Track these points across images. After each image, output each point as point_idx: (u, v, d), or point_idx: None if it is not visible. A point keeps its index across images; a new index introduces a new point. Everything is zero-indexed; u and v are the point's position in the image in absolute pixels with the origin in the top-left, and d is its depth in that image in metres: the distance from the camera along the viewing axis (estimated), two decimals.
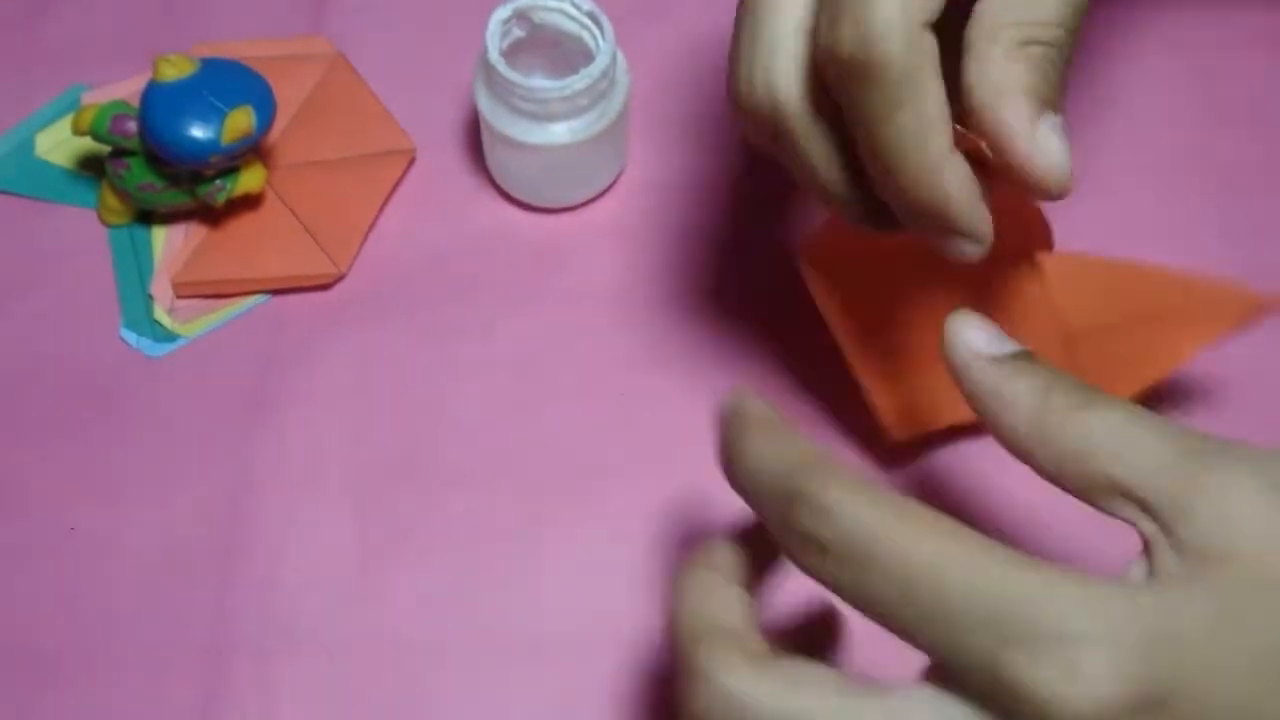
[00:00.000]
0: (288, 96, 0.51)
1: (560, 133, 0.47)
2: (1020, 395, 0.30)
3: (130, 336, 0.48)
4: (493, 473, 0.46)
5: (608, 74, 0.46)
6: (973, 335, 0.31)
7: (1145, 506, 0.28)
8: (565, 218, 0.51)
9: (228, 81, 0.46)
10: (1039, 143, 0.32)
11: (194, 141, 0.45)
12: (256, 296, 0.49)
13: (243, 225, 0.50)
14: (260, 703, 0.43)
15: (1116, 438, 0.29)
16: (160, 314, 0.48)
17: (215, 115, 0.45)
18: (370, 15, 0.54)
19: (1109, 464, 0.29)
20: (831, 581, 0.28)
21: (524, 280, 0.50)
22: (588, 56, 0.47)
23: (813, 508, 0.28)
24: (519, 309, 0.49)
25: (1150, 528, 0.29)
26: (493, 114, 0.47)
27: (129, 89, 0.51)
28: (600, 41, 0.46)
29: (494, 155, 0.50)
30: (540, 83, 0.46)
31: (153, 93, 0.46)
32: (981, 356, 0.31)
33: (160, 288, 0.49)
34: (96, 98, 0.51)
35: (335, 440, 0.47)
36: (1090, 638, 0.26)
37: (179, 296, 0.49)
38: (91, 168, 0.51)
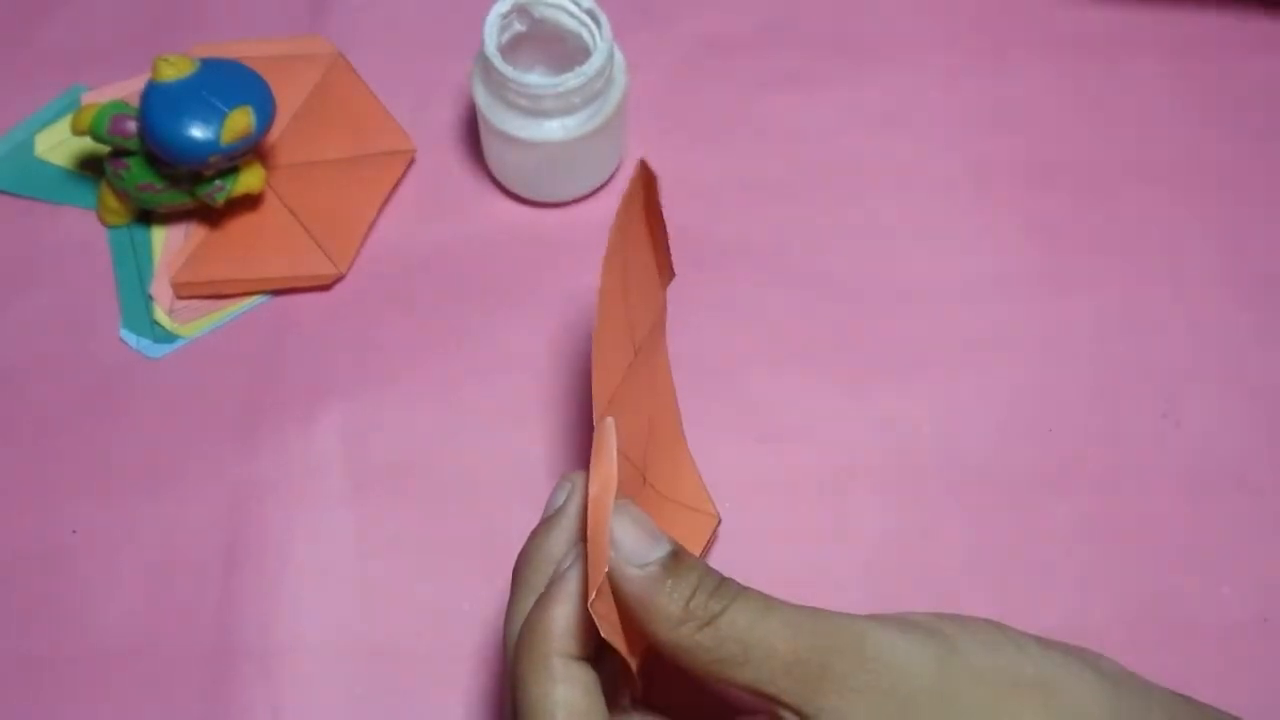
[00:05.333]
0: (288, 96, 0.51)
1: (554, 129, 0.47)
2: (663, 608, 0.32)
3: (130, 338, 0.48)
4: (494, 472, 0.46)
5: (603, 73, 0.46)
6: (623, 538, 0.33)
7: (778, 702, 0.32)
8: (564, 216, 0.51)
9: (227, 81, 0.46)
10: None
11: (193, 141, 0.45)
12: (256, 297, 0.49)
13: (242, 225, 0.50)
14: (263, 704, 0.43)
15: (745, 643, 0.32)
16: (160, 315, 0.48)
17: (215, 115, 0.45)
18: (370, 15, 0.54)
19: (740, 670, 0.32)
20: None
21: (524, 279, 0.49)
22: (587, 54, 0.47)
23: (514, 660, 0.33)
24: (519, 308, 0.49)
25: (789, 715, 0.32)
26: (489, 108, 0.47)
27: (129, 89, 0.51)
28: (598, 39, 0.46)
29: (491, 150, 0.50)
30: (535, 79, 0.46)
31: (152, 93, 0.46)
32: (631, 565, 0.32)
33: (160, 289, 0.49)
34: (96, 98, 0.51)
35: (336, 440, 0.47)
36: None
37: (179, 297, 0.49)
38: (91, 168, 0.51)
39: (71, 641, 0.44)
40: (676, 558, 0.33)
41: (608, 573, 0.32)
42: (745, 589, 0.33)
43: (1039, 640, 0.34)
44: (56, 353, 0.48)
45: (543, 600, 0.34)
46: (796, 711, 0.32)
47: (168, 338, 0.48)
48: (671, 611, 0.32)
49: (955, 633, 0.33)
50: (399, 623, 0.44)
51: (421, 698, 0.43)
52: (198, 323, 0.49)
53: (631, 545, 0.33)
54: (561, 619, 0.33)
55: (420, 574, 0.45)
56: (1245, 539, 0.45)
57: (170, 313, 0.49)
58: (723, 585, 0.33)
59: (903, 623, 0.33)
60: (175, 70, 0.46)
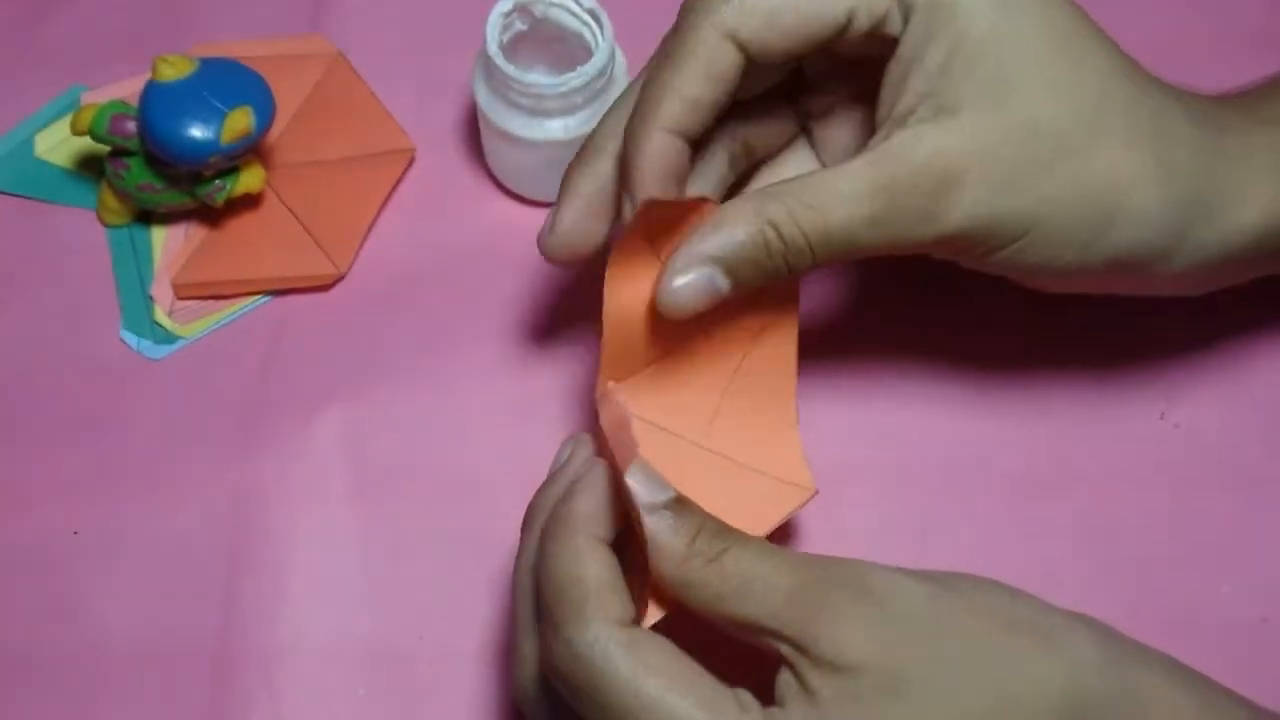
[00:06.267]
0: (287, 96, 0.51)
1: (556, 129, 0.47)
2: (668, 544, 0.34)
3: (130, 338, 0.48)
4: (496, 472, 0.46)
5: (605, 72, 0.46)
6: (634, 485, 0.34)
7: (778, 636, 0.33)
8: None
9: (227, 81, 0.46)
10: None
11: (193, 142, 0.45)
12: (257, 297, 0.49)
13: (242, 226, 0.50)
14: (264, 704, 0.43)
15: (746, 579, 0.33)
16: (160, 315, 0.48)
17: (215, 115, 0.45)
18: (370, 15, 0.54)
19: (742, 603, 0.33)
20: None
21: (524, 279, 0.49)
22: (589, 54, 0.47)
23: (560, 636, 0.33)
24: (520, 308, 0.49)
25: (788, 649, 0.33)
26: (490, 108, 0.47)
27: (129, 89, 0.51)
28: (599, 39, 0.46)
29: (492, 150, 0.50)
30: (536, 78, 0.46)
31: (152, 93, 0.46)
32: (641, 506, 0.34)
33: (160, 289, 0.49)
34: (96, 98, 0.51)
35: (336, 441, 0.47)
36: None
37: (179, 298, 0.49)
38: (91, 168, 0.51)
39: (72, 642, 0.44)
40: (680, 502, 0.34)
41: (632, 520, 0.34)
42: (747, 535, 0.34)
43: (1039, 599, 0.35)
44: (56, 353, 0.48)
45: (566, 496, 0.35)
46: (795, 643, 0.32)
47: (168, 338, 0.48)
48: (677, 548, 0.33)
49: (956, 581, 0.34)
50: (400, 623, 0.44)
51: (423, 699, 0.43)
52: (198, 323, 0.49)
53: (639, 489, 0.34)
54: (587, 505, 0.35)
55: (421, 574, 0.45)
56: (1245, 539, 0.45)
57: (170, 313, 0.49)
58: (724, 529, 0.34)
59: (904, 568, 0.34)
60: (175, 70, 0.46)
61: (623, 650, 0.32)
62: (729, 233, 0.36)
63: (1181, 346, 0.48)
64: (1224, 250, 0.39)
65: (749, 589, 0.33)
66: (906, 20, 0.37)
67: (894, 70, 0.37)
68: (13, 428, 0.47)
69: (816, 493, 0.40)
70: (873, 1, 0.37)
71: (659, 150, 0.37)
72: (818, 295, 0.49)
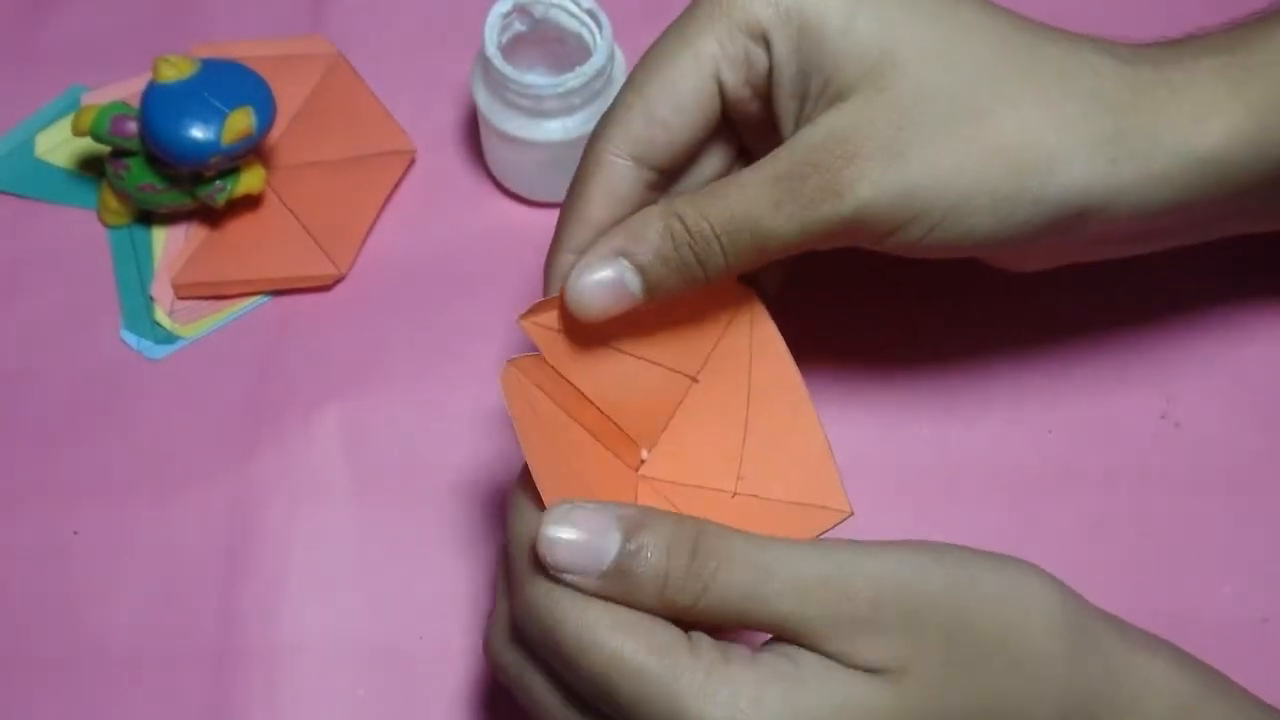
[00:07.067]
0: (288, 97, 0.51)
1: (554, 129, 0.47)
2: (638, 600, 0.33)
3: (131, 338, 0.48)
4: (496, 472, 0.46)
5: (604, 72, 0.46)
6: (563, 556, 0.33)
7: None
8: None
9: (228, 82, 0.46)
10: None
11: (194, 142, 0.45)
12: (257, 297, 0.49)
13: (243, 226, 0.50)
14: (264, 705, 0.43)
15: (741, 608, 0.33)
16: (161, 316, 0.48)
17: (215, 116, 0.45)
18: (370, 15, 0.54)
19: (750, 620, 0.33)
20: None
21: (525, 279, 0.49)
22: (588, 54, 0.47)
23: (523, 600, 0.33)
24: (519, 308, 0.49)
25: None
26: (489, 108, 0.47)
27: (129, 89, 0.51)
28: (598, 39, 0.46)
29: (491, 150, 0.50)
30: (534, 79, 0.46)
31: (153, 93, 0.46)
32: (582, 577, 0.33)
33: (161, 289, 0.49)
34: (96, 98, 0.51)
35: (336, 440, 0.47)
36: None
37: (179, 298, 0.49)
38: (91, 168, 0.51)
39: (72, 643, 0.44)
40: (620, 568, 0.32)
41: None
42: (712, 550, 0.33)
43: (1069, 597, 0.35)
44: (57, 354, 0.48)
45: None
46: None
47: (168, 338, 0.48)
48: (648, 602, 0.32)
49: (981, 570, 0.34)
50: (400, 623, 0.44)
51: (423, 698, 0.43)
52: (198, 323, 0.49)
53: (569, 558, 0.32)
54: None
55: (421, 574, 0.45)
56: (1245, 539, 0.45)
57: (171, 313, 0.49)
58: (693, 566, 0.32)
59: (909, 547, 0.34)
60: (176, 71, 0.46)
61: (571, 600, 0.32)
62: (636, 228, 0.36)
63: (1181, 346, 0.48)
64: (1178, 185, 0.37)
65: (748, 617, 0.32)
66: (769, 46, 0.37)
67: (781, 90, 0.37)
68: (13, 428, 0.47)
69: (851, 514, 0.38)
70: (728, 52, 0.37)
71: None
72: (818, 295, 0.49)
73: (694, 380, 0.39)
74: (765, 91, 0.38)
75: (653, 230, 0.36)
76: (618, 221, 0.37)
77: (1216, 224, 0.42)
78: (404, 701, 0.43)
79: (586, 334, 0.37)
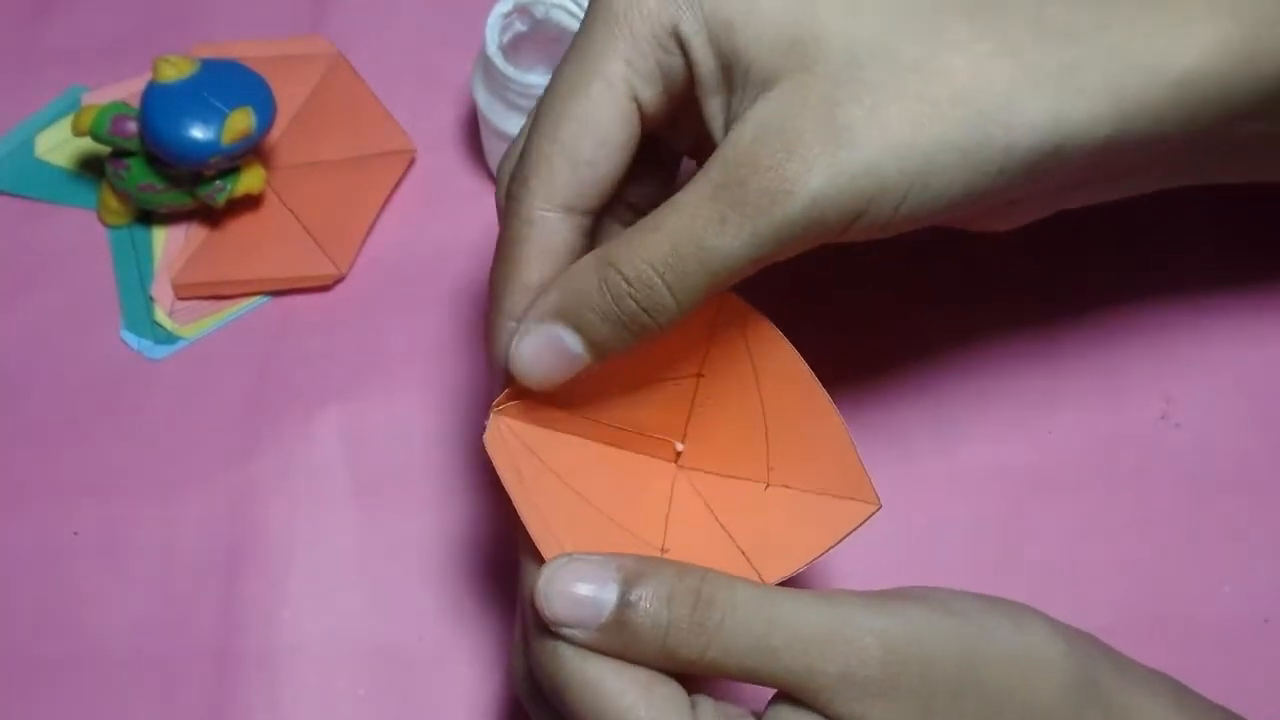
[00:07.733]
0: (288, 97, 0.51)
1: None
2: (637, 655, 0.32)
3: (131, 339, 0.48)
4: (497, 474, 0.46)
5: None
6: (560, 610, 0.32)
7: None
8: None
9: (228, 82, 0.46)
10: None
11: (194, 142, 0.45)
12: (257, 298, 0.49)
13: (243, 226, 0.50)
14: (264, 705, 0.43)
15: (745, 663, 0.32)
16: (161, 316, 0.48)
17: (215, 116, 0.45)
18: (370, 15, 0.54)
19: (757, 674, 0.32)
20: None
21: None
22: None
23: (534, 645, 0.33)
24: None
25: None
26: (490, 109, 0.47)
27: (129, 89, 0.51)
28: None
29: (491, 150, 0.50)
30: (534, 78, 0.46)
31: (153, 93, 0.46)
32: (578, 631, 0.32)
33: (161, 290, 0.49)
34: (96, 98, 0.51)
35: (337, 441, 0.47)
36: None
37: (179, 298, 0.49)
38: (91, 168, 0.51)
39: (72, 643, 0.44)
40: (619, 620, 0.32)
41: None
42: (715, 600, 0.32)
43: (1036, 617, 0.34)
44: (57, 354, 0.48)
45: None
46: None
47: (168, 339, 0.48)
48: (650, 656, 0.32)
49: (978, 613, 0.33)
50: (401, 623, 0.44)
51: (424, 699, 0.43)
52: (198, 324, 0.49)
53: (567, 612, 0.32)
54: None
55: (422, 574, 0.45)
56: (1245, 539, 0.45)
57: (171, 313, 0.49)
58: (696, 616, 0.31)
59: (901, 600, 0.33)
60: (176, 71, 0.46)
61: (574, 656, 0.31)
62: (568, 283, 0.33)
63: (1181, 346, 0.48)
64: (1157, 110, 0.33)
65: (756, 671, 0.31)
66: (683, 45, 0.33)
67: (704, 89, 0.34)
68: (13, 428, 0.47)
69: (880, 507, 0.37)
70: (639, 68, 0.34)
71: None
72: (817, 296, 0.49)
73: (699, 375, 0.38)
74: (690, 95, 0.34)
75: (588, 286, 0.33)
76: (574, 259, 0.35)
77: (1213, 162, 0.39)
78: (404, 701, 0.43)
79: (567, 384, 0.36)
